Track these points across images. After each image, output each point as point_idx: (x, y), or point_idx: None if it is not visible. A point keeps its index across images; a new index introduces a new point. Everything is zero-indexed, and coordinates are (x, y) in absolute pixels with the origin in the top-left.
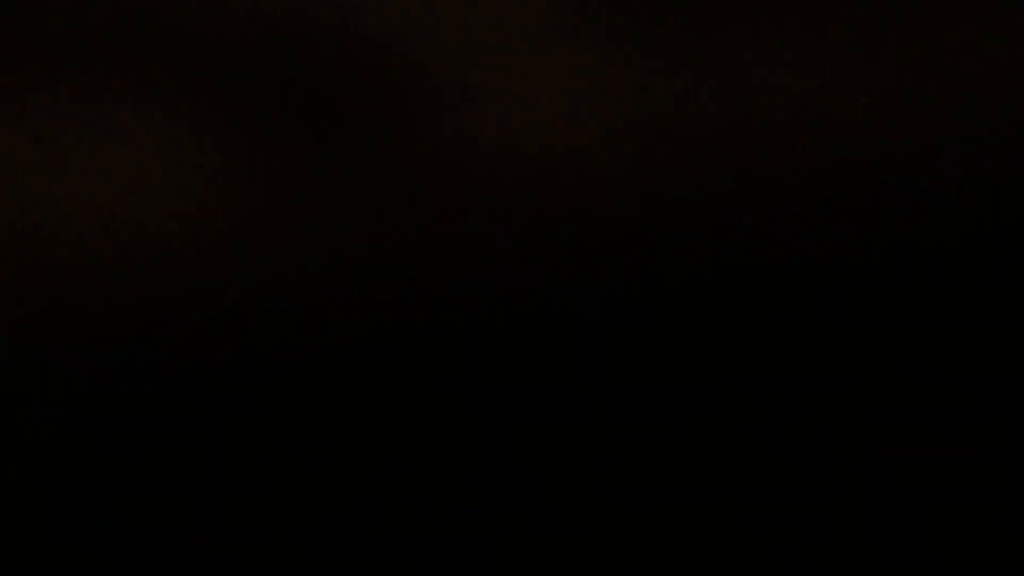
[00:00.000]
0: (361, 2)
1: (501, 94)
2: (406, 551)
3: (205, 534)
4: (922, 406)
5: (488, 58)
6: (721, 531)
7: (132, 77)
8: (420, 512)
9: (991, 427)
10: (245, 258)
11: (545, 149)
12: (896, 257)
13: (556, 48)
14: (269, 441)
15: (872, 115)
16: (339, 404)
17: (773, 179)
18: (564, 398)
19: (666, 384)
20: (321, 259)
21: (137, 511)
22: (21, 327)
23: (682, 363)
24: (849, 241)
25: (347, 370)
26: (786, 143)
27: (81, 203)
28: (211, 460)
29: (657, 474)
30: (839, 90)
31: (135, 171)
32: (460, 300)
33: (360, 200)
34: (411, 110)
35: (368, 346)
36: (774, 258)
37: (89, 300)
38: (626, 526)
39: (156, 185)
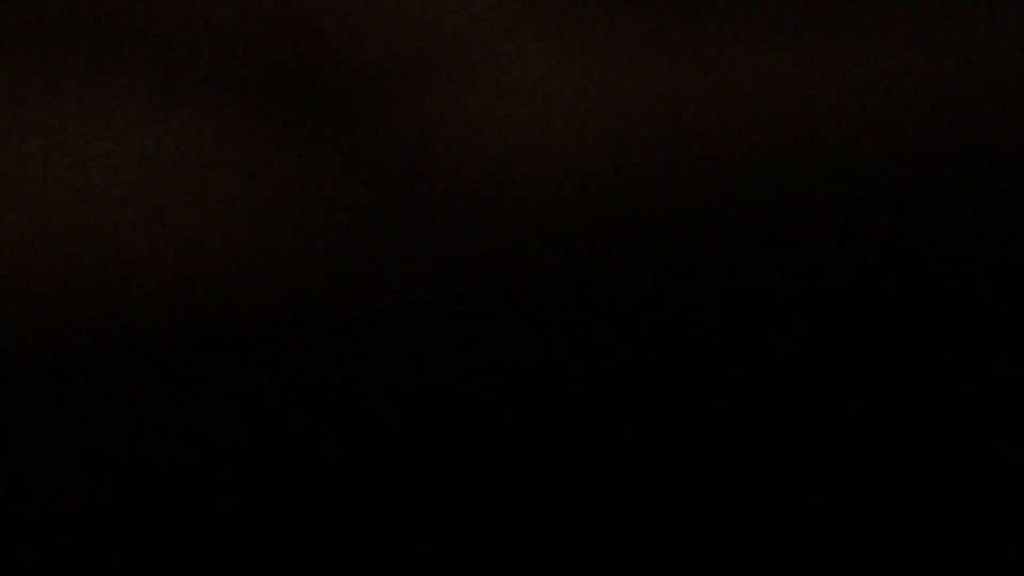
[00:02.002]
0: None
1: (503, 88)
2: (404, 550)
3: (200, 531)
4: (921, 406)
5: (490, 45)
6: (721, 531)
7: (132, 76)
8: (414, 512)
9: (991, 427)
10: (247, 255)
11: (546, 144)
12: (894, 254)
13: (557, 42)
14: (268, 439)
15: (872, 110)
16: (340, 401)
17: (770, 174)
18: (565, 396)
19: (663, 381)
20: (320, 254)
21: (134, 508)
22: (21, 325)
23: (677, 360)
24: (851, 239)
25: (348, 366)
26: (784, 138)
27: (80, 201)
28: (209, 456)
29: (657, 474)
30: (836, 85)
31: (135, 169)
32: (460, 295)
33: (360, 195)
34: (412, 105)
35: (370, 341)
36: (771, 255)
37: (88, 298)
38: (626, 526)
39: (156, 182)
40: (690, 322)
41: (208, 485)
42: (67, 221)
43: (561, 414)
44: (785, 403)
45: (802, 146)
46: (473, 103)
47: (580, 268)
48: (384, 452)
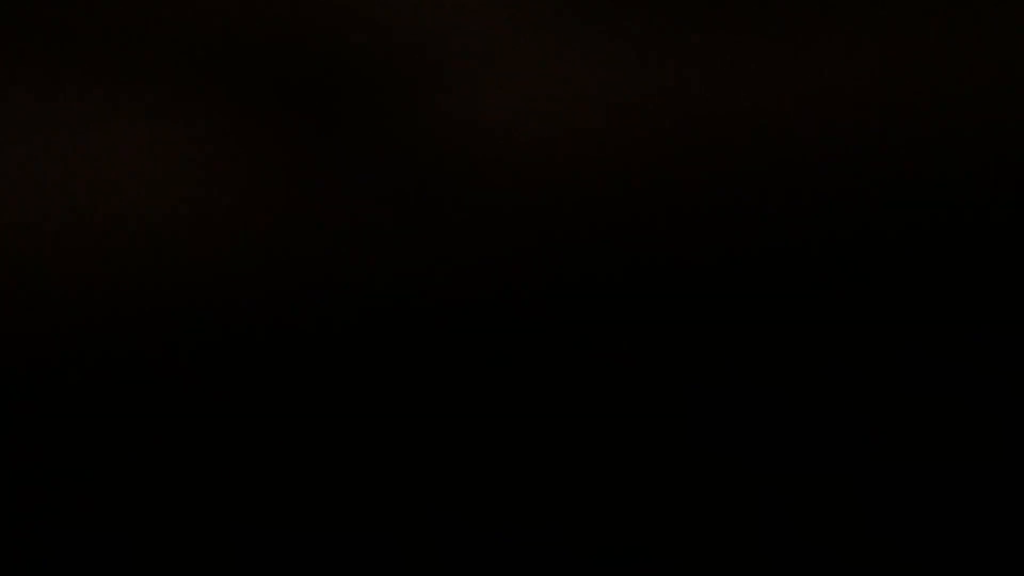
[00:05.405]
0: None
1: (499, 81)
2: (401, 548)
3: (198, 529)
4: (919, 403)
5: (487, 45)
6: (721, 532)
7: (132, 78)
8: (416, 504)
9: (991, 427)
10: (248, 247)
11: (543, 136)
12: (886, 250)
13: (554, 34)
14: (267, 434)
15: (860, 105)
16: (341, 394)
17: (763, 168)
18: (563, 386)
19: (663, 370)
20: (322, 246)
21: (134, 504)
22: (20, 321)
23: (672, 352)
24: (841, 232)
25: (350, 359)
26: (778, 132)
27: (82, 195)
28: (207, 451)
29: (657, 469)
30: (830, 79)
31: (136, 161)
32: (460, 286)
33: (361, 187)
34: (412, 97)
35: (370, 333)
36: (772, 254)
37: (88, 292)
38: (626, 526)
39: (158, 175)
40: (689, 322)
41: (206, 482)
42: (67, 222)
43: (561, 414)
44: (785, 402)
45: (805, 145)
46: (471, 105)
47: (575, 269)
48: (382, 451)
